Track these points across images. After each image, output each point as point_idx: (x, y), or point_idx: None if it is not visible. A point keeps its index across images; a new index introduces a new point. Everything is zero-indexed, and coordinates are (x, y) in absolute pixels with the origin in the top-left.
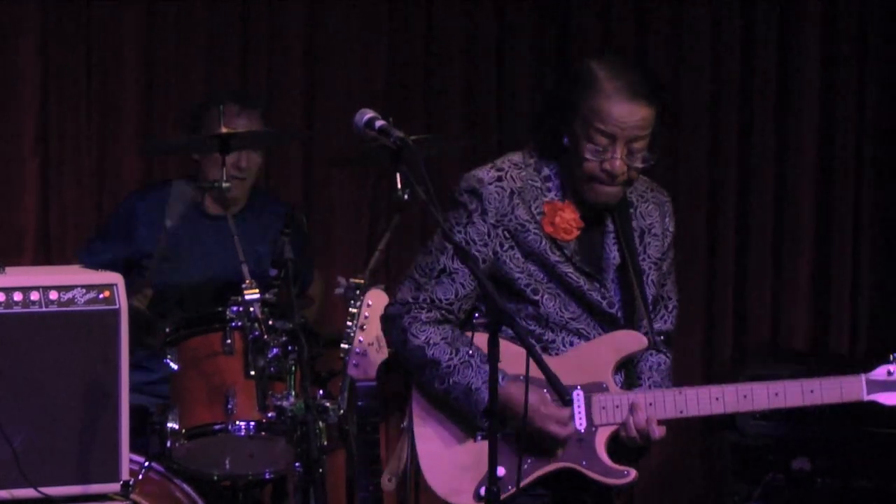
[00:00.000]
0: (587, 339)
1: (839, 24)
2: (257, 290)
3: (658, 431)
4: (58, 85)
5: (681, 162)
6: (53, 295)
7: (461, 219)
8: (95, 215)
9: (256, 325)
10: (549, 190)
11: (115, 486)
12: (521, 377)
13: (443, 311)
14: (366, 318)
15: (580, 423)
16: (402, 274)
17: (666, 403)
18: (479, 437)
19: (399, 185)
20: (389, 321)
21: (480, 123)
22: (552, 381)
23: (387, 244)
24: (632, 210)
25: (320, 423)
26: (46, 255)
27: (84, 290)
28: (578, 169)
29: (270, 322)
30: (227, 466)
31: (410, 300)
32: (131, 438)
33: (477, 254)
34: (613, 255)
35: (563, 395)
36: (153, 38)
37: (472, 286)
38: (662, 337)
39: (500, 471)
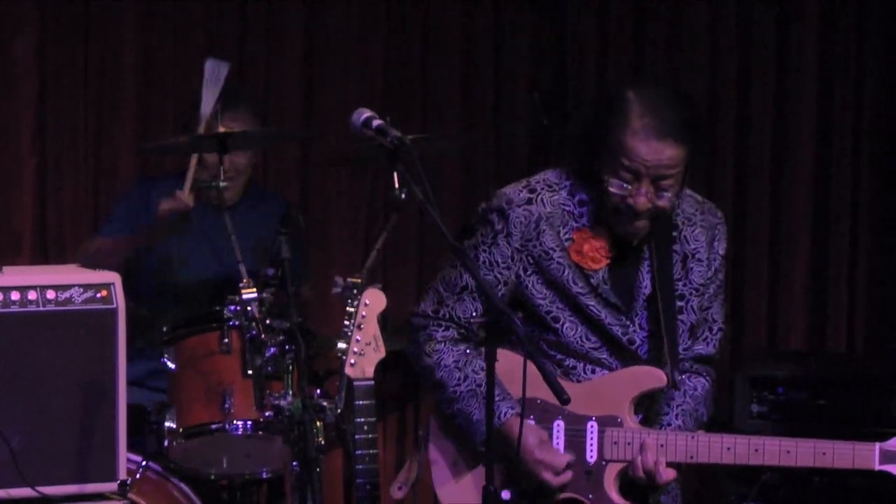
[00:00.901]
0: (609, 368)
1: (838, 24)
2: (255, 290)
3: (665, 475)
4: (55, 84)
5: None
6: (51, 294)
7: (486, 238)
8: (93, 215)
9: (254, 324)
10: (581, 216)
11: (112, 486)
12: (527, 416)
13: (462, 329)
14: (363, 317)
15: (591, 455)
16: (400, 273)
17: (677, 447)
18: None
19: (396, 185)
20: (410, 332)
21: (478, 123)
22: (549, 381)
23: (384, 243)
24: (675, 234)
25: (317, 423)
26: (44, 255)
27: (81, 290)
28: (607, 200)
29: (268, 321)
30: (225, 465)
31: (431, 314)
32: (128, 437)
33: (499, 276)
34: (646, 283)
35: (560, 395)
36: (152, 37)
37: None
38: (694, 361)
39: (506, 494)
